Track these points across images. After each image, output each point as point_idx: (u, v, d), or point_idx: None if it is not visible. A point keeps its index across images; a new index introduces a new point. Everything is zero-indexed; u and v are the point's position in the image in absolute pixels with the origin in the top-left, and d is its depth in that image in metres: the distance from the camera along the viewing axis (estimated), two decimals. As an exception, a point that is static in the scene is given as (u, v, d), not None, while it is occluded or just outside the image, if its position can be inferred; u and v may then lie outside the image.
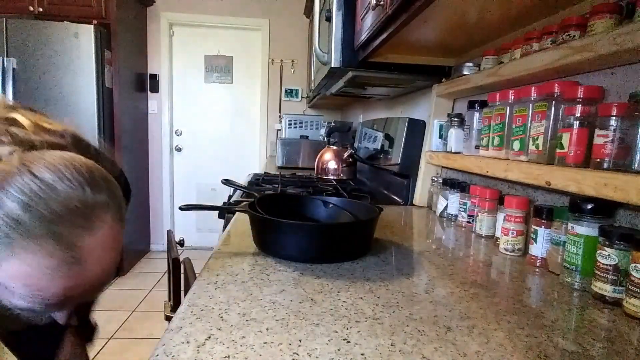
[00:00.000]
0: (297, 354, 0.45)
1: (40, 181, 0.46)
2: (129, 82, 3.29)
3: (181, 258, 1.00)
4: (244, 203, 0.89)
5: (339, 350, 0.46)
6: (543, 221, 0.78)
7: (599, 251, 0.62)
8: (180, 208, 0.85)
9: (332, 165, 1.96)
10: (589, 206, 0.66)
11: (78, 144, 0.55)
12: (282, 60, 3.77)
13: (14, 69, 2.71)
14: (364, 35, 1.14)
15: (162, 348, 0.45)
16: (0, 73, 2.69)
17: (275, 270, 0.72)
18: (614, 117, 0.62)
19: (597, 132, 0.65)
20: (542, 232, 0.78)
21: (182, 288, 0.99)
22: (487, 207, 0.98)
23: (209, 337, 0.47)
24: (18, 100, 0.60)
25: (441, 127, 1.34)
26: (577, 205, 0.68)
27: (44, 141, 0.52)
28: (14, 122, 0.52)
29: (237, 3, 3.66)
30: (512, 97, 0.90)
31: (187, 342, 0.46)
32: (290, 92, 3.82)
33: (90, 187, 0.49)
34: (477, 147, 1.07)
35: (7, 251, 0.45)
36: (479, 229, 1.00)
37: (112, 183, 0.53)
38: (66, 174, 0.48)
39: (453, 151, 1.20)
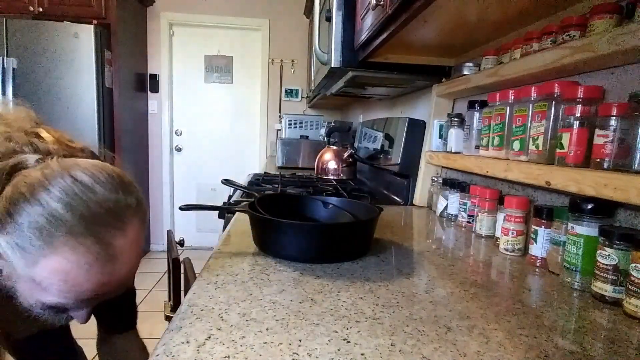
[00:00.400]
0: (297, 354, 0.45)
1: (80, 183, 0.51)
2: (129, 82, 3.29)
3: (181, 258, 1.00)
4: (244, 203, 0.89)
5: (339, 350, 0.46)
6: (543, 221, 0.78)
7: (599, 251, 0.62)
8: (180, 208, 0.85)
9: (332, 165, 1.96)
10: (589, 206, 0.66)
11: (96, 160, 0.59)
12: (282, 60, 3.77)
13: (14, 69, 2.71)
14: (364, 35, 1.14)
15: (162, 348, 0.45)
16: (0, 73, 2.69)
17: (275, 270, 0.72)
18: (614, 117, 0.62)
19: (597, 132, 0.65)
20: (542, 232, 0.78)
21: (182, 288, 0.99)
22: (487, 207, 0.98)
23: (209, 337, 0.47)
24: (20, 103, 0.64)
25: (441, 127, 1.34)
26: (577, 205, 0.68)
27: (66, 154, 0.57)
28: (37, 136, 0.57)
29: (237, 3, 3.66)
30: (512, 97, 0.90)
31: (187, 342, 0.46)
32: (290, 92, 3.82)
33: (122, 191, 0.54)
34: (477, 147, 1.07)
35: (50, 248, 0.48)
36: (479, 229, 1.00)
37: (138, 189, 0.58)
38: (101, 178, 0.53)
39: (453, 151, 1.20)
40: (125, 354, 0.89)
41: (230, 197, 1.61)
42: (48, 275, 0.49)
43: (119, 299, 0.83)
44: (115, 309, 0.87)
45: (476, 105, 1.08)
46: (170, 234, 1.12)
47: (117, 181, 0.54)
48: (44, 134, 0.58)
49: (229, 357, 0.43)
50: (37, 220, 0.48)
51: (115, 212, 0.52)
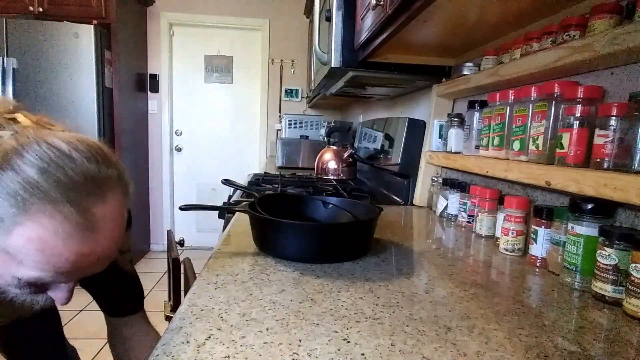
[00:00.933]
0: (297, 354, 0.45)
1: (57, 150, 0.48)
2: (129, 82, 3.29)
3: (181, 258, 1.00)
4: (244, 203, 0.89)
5: (339, 350, 0.46)
6: (543, 221, 0.78)
7: (599, 251, 0.62)
8: (180, 208, 0.85)
9: (332, 165, 1.96)
10: (589, 206, 0.66)
11: None
12: (282, 60, 3.77)
13: (14, 69, 2.71)
14: (364, 35, 1.14)
15: (162, 348, 0.45)
16: (0, 73, 2.69)
17: (275, 270, 0.72)
18: (614, 117, 0.62)
19: (597, 132, 0.65)
20: (542, 232, 0.78)
21: (182, 288, 0.99)
22: (487, 207, 0.98)
23: (209, 337, 0.47)
24: (20, 101, 0.62)
25: (441, 127, 1.34)
26: (577, 205, 0.68)
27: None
28: (15, 120, 0.54)
29: (237, 3, 3.66)
30: (512, 97, 0.90)
31: (187, 342, 0.46)
32: (290, 92, 3.82)
33: (103, 161, 0.52)
34: (477, 147, 1.07)
35: (24, 215, 0.46)
36: (479, 229, 1.00)
37: (120, 162, 0.55)
38: (80, 147, 0.50)
39: (453, 151, 1.20)
40: (133, 341, 0.87)
41: (230, 197, 1.61)
42: (23, 244, 0.47)
43: (116, 280, 0.82)
44: (114, 291, 0.86)
45: (476, 105, 1.08)
46: (170, 234, 1.12)
47: (97, 151, 0.52)
48: (21, 117, 0.55)
49: (229, 357, 0.43)
50: (10, 186, 0.45)
51: (95, 181, 0.50)
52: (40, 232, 0.47)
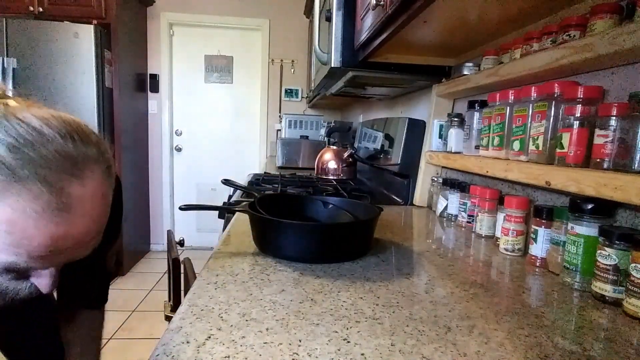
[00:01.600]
0: (297, 354, 0.45)
1: (27, 125, 0.45)
2: (129, 82, 3.29)
3: (181, 258, 1.00)
4: (244, 203, 0.89)
5: (339, 350, 0.46)
6: (543, 221, 0.78)
7: (599, 251, 0.62)
8: (180, 208, 0.85)
9: (332, 165, 1.96)
10: (589, 206, 0.66)
11: None
12: (282, 60, 3.77)
13: (14, 69, 2.71)
14: (364, 35, 1.14)
15: (162, 348, 0.45)
16: (0, 73, 2.69)
17: (275, 270, 0.72)
18: (614, 117, 0.62)
19: (597, 132, 0.65)
20: (542, 232, 0.78)
21: (182, 288, 0.99)
22: (487, 207, 0.98)
23: (209, 337, 0.47)
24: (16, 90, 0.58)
25: (441, 127, 1.34)
26: (577, 205, 0.68)
27: None
28: (6, 105, 0.50)
29: (237, 3, 3.66)
30: (512, 97, 0.90)
31: (187, 342, 0.46)
32: (290, 92, 3.82)
33: (79, 139, 0.48)
34: (477, 147, 1.07)
35: (6, 191, 0.43)
36: (479, 229, 1.00)
37: (103, 141, 0.52)
38: (54, 123, 0.47)
39: (453, 151, 1.20)
40: (76, 336, 0.83)
41: (230, 197, 1.61)
42: None
43: (86, 270, 0.75)
44: (87, 282, 0.81)
45: (476, 105, 1.08)
46: (170, 234, 1.12)
47: (73, 128, 0.48)
48: (11, 102, 0.52)
49: (229, 357, 0.44)
50: None
51: (70, 159, 0.46)
52: (8, 212, 0.43)
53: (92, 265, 0.72)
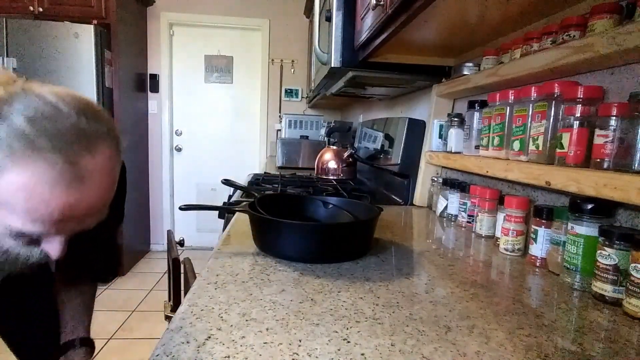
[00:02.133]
0: (297, 354, 0.45)
1: (44, 100, 0.49)
2: (129, 82, 3.29)
3: (181, 258, 1.00)
4: (244, 203, 0.89)
5: (339, 350, 0.46)
6: (543, 221, 0.78)
7: (599, 251, 0.62)
8: (180, 208, 0.85)
9: (332, 165, 1.96)
10: (589, 206, 0.66)
11: None
12: (282, 60, 3.77)
13: (14, 69, 2.70)
14: (364, 35, 1.14)
15: (162, 348, 0.45)
16: (0, 73, 2.69)
17: (275, 270, 0.72)
18: (614, 117, 0.62)
19: (597, 132, 0.65)
20: (542, 232, 0.78)
21: (182, 288, 0.99)
22: (487, 207, 0.98)
23: (209, 337, 0.47)
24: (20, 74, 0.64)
25: (441, 127, 1.34)
26: (577, 205, 0.68)
27: None
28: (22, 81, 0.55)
29: (237, 3, 3.66)
30: (512, 97, 0.90)
31: (187, 342, 0.46)
32: (290, 92, 3.82)
33: (92, 116, 0.52)
34: (477, 147, 1.07)
35: (11, 162, 0.47)
36: (479, 229, 1.00)
37: (111, 119, 0.56)
38: (68, 100, 0.51)
39: (453, 151, 1.20)
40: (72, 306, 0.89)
41: (230, 197, 1.61)
42: (11, 191, 0.48)
43: (98, 246, 0.83)
44: (93, 255, 0.87)
45: (476, 105, 1.08)
46: (170, 234, 1.12)
47: (85, 106, 0.52)
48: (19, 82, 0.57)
49: (229, 357, 0.44)
50: None
51: (83, 134, 0.50)
52: (27, 178, 0.47)
53: (103, 242, 0.83)
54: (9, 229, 0.51)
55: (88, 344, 0.89)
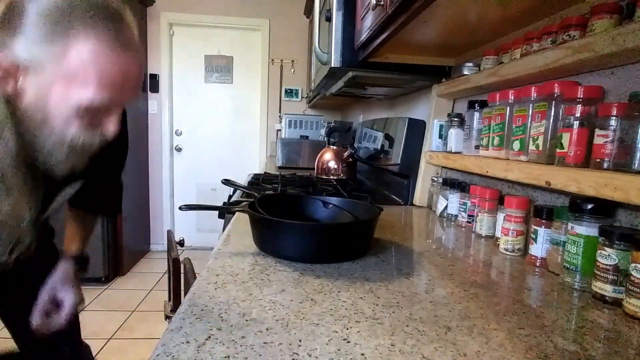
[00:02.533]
0: (297, 354, 0.45)
1: None
2: (129, 82, 3.29)
3: (181, 258, 1.00)
4: (244, 203, 0.89)
5: (339, 350, 0.46)
6: (543, 221, 0.78)
7: (599, 251, 0.62)
8: (180, 208, 0.85)
9: (332, 165, 1.96)
10: (589, 206, 0.66)
11: None
12: (282, 60, 3.77)
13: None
14: (364, 35, 1.14)
15: (162, 348, 0.45)
16: (0, 73, 2.68)
17: (275, 270, 0.72)
18: (614, 117, 0.62)
19: (597, 132, 0.65)
20: (542, 232, 0.78)
21: (182, 288, 0.99)
22: (487, 207, 0.98)
23: (209, 337, 0.47)
24: None
25: (441, 127, 1.34)
26: (577, 205, 0.68)
27: None
28: None
29: (237, 3, 3.66)
30: (512, 97, 0.90)
31: (187, 342, 0.46)
32: (290, 92, 3.82)
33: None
34: (477, 147, 1.07)
35: (72, 34, 0.55)
36: (479, 229, 1.00)
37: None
38: None
39: (453, 151, 1.20)
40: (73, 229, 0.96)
41: (230, 197, 1.61)
42: (83, 60, 0.55)
43: (107, 185, 0.95)
44: (103, 193, 0.96)
45: (476, 105, 1.08)
46: (170, 234, 1.12)
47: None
48: None
49: (229, 357, 0.43)
50: (47, 9, 0.54)
51: (113, 8, 0.60)
52: (92, 46, 0.56)
53: (111, 181, 0.95)
54: (79, 104, 0.58)
55: (82, 261, 0.98)
